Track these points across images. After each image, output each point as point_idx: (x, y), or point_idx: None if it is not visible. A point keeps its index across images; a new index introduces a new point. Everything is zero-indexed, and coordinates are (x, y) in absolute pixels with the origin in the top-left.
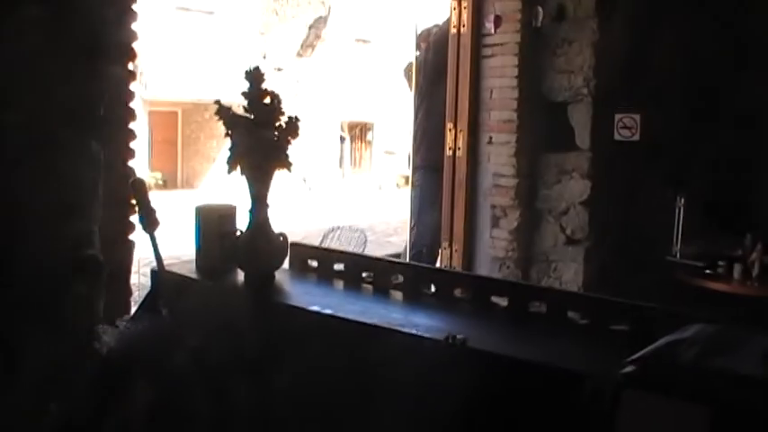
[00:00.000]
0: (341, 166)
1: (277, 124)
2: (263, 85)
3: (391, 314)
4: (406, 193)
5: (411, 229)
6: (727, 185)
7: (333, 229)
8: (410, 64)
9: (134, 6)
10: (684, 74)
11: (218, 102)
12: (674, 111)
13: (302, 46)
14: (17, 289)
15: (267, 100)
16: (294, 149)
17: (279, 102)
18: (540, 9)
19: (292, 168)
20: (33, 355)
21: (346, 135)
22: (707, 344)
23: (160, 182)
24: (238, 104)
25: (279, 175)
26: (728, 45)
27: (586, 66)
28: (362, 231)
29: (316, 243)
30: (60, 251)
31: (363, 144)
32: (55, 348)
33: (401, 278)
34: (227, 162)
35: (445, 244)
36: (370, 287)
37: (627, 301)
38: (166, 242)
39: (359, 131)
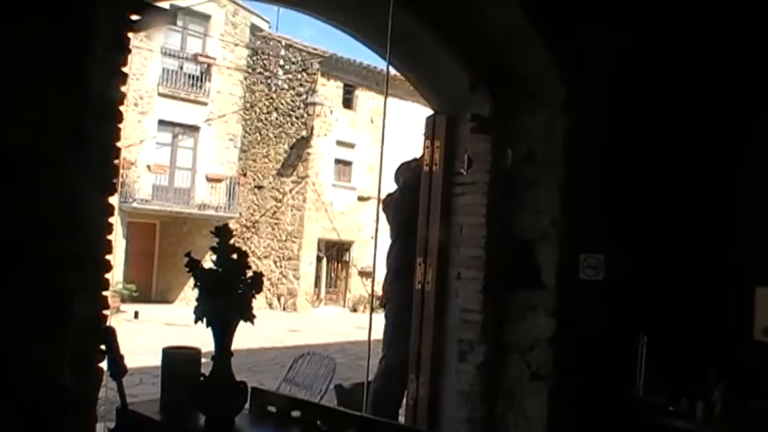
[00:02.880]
0: (317, 285)
1: (243, 278)
2: (232, 241)
3: None
4: (380, 317)
5: (380, 360)
6: (691, 324)
7: (302, 355)
8: (389, 196)
9: (118, 144)
10: (650, 216)
11: (188, 254)
12: (639, 251)
13: (283, 165)
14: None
15: (235, 255)
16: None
17: (245, 257)
18: (510, 151)
19: (255, 321)
20: None
21: (323, 254)
22: None
23: (134, 294)
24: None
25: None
26: (695, 187)
27: (553, 206)
28: (332, 358)
29: (286, 364)
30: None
31: (340, 264)
32: None
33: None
34: (195, 312)
35: (412, 376)
36: None
37: None
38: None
39: (336, 251)
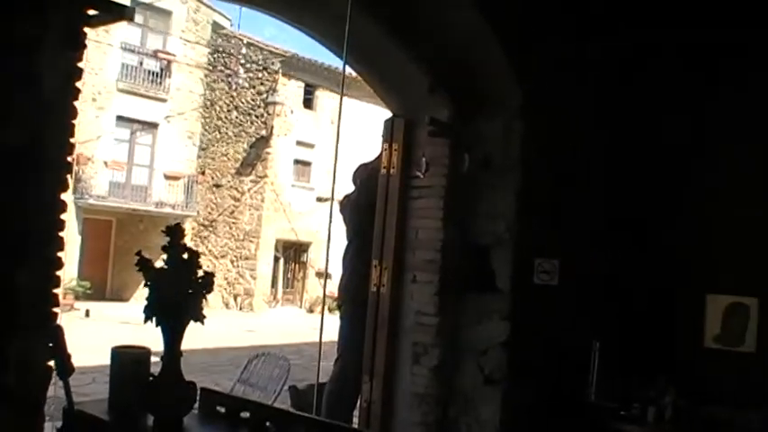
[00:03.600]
0: (274, 285)
1: (193, 278)
2: (183, 241)
3: None
4: (337, 318)
5: (335, 361)
6: (643, 330)
7: (257, 356)
8: (345, 198)
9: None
10: (606, 222)
11: (138, 253)
12: (593, 257)
13: (242, 164)
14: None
15: (186, 255)
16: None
17: (197, 257)
18: (467, 156)
19: (205, 321)
20: None
21: (281, 255)
22: None
23: (88, 291)
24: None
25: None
26: (652, 194)
27: (509, 212)
28: (287, 359)
29: (241, 365)
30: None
31: (297, 265)
32: None
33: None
34: (144, 312)
35: (366, 378)
36: None
37: None
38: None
39: (293, 252)
